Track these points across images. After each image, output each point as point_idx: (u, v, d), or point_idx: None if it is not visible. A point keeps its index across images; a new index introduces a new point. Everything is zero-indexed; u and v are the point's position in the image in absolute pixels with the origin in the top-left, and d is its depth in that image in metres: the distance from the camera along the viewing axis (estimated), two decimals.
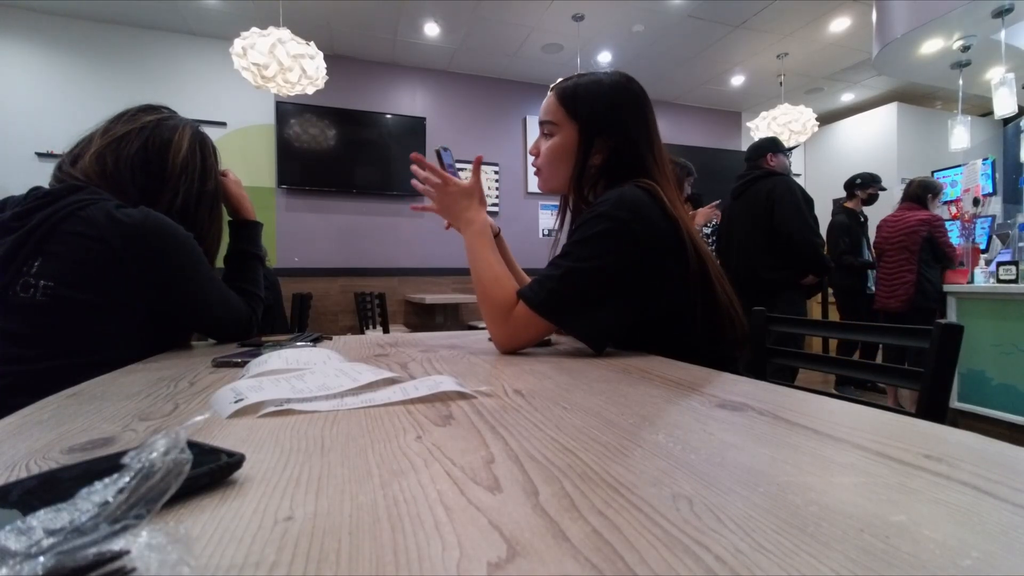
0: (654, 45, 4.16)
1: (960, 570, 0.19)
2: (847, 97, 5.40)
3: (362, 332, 3.79)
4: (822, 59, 4.44)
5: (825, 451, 0.33)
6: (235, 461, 0.28)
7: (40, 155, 3.58)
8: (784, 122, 3.96)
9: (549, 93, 0.88)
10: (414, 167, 0.89)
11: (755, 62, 4.49)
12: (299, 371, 0.55)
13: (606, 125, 0.83)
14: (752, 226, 2.53)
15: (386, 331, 3.22)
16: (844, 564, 0.20)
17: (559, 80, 0.89)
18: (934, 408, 0.71)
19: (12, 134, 3.54)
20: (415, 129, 4.47)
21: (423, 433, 0.37)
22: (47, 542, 0.14)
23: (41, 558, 0.13)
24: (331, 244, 4.31)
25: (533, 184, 4.78)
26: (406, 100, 4.54)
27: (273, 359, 0.59)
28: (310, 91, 3.05)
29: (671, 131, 5.33)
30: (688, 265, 0.75)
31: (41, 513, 0.16)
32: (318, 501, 0.26)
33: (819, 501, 0.25)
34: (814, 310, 4.55)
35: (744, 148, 5.31)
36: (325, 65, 3.02)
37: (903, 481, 0.28)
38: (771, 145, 2.63)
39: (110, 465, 0.20)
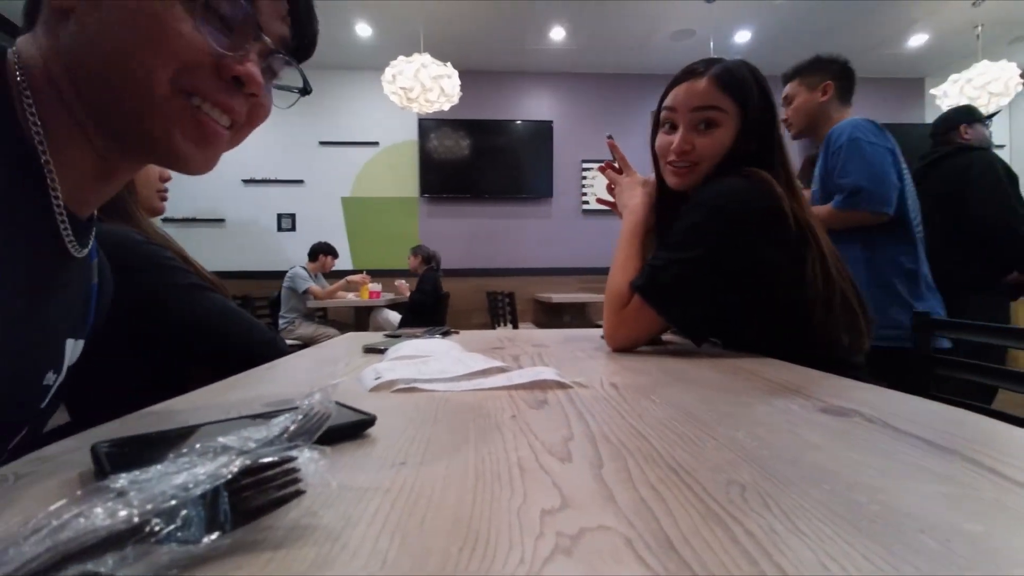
0: (801, 14, 3.72)
1: None
2: None
3: (493, 329, 4.02)
4: None
5: (926, 461, 0.31)
6: (370, 419, 0.37)
7: None
8: (981, 84, 3.24)
9: (703, 79, 0.79)
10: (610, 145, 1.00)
11: (942, 14, 3.75)
12: (425, 357, 0.64)
13: (762, 113, 0.80)
14: (937, 212, 2.11)
15: (515, 328, 3.38)
16: (879, 553, 0.20)
17: (693, 65, 0.82)
18: None
19: None
20: (542, 133, 4.61)
21: (517, 413, 0.43)
22: (251, 445, 0.22)
23: (248, 453, 0.21)
24: (465, 246, 4.64)
25: None
26: (534, 105, 4.70)
27: (405, 347, 0.70)
28: (446, 107, 3.35)
29: None
30: (805, 260, 0.71)
31: (245, 432, 0.24)
32: (425, 454, 0.33)
33: (885, 502, 0.25)
34: (1019, 314, 3.65)
35: (928, 121, 4.47)
36: (460, 82, 3.28)
37: (1000, 497, 0.26)
38: (966, 115, 2.18)
39: (287, 409, 0.29)
